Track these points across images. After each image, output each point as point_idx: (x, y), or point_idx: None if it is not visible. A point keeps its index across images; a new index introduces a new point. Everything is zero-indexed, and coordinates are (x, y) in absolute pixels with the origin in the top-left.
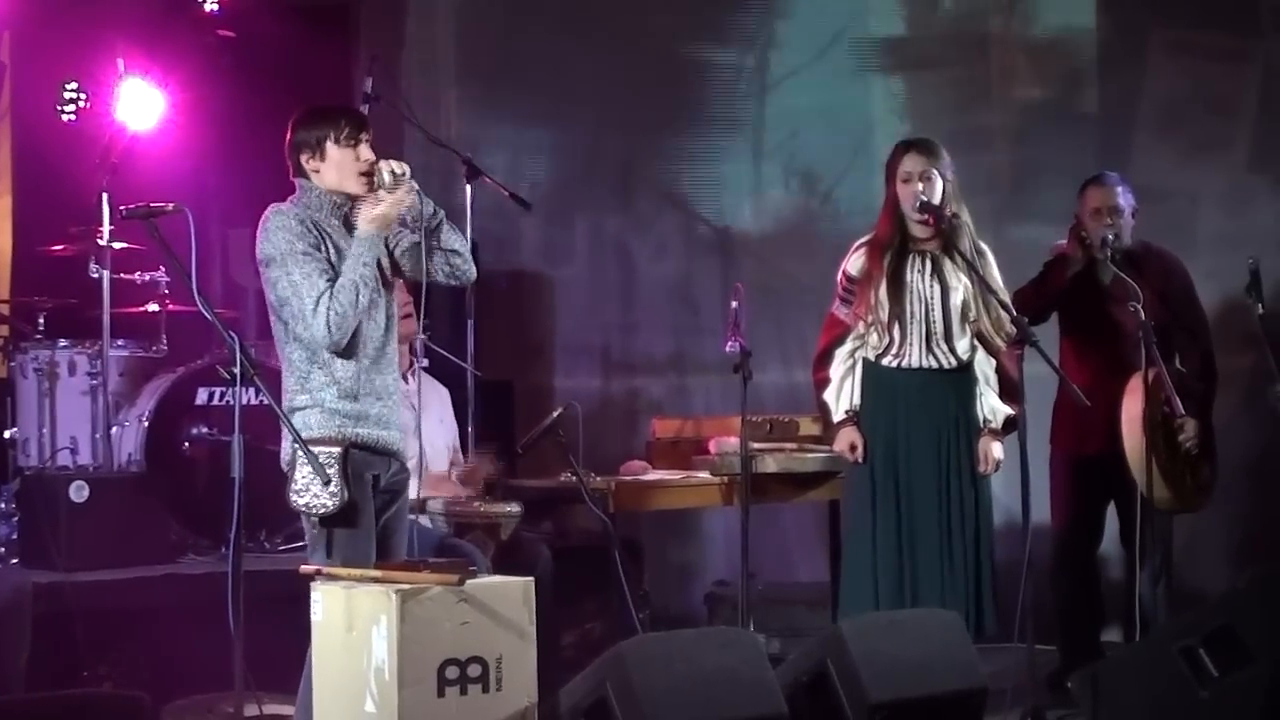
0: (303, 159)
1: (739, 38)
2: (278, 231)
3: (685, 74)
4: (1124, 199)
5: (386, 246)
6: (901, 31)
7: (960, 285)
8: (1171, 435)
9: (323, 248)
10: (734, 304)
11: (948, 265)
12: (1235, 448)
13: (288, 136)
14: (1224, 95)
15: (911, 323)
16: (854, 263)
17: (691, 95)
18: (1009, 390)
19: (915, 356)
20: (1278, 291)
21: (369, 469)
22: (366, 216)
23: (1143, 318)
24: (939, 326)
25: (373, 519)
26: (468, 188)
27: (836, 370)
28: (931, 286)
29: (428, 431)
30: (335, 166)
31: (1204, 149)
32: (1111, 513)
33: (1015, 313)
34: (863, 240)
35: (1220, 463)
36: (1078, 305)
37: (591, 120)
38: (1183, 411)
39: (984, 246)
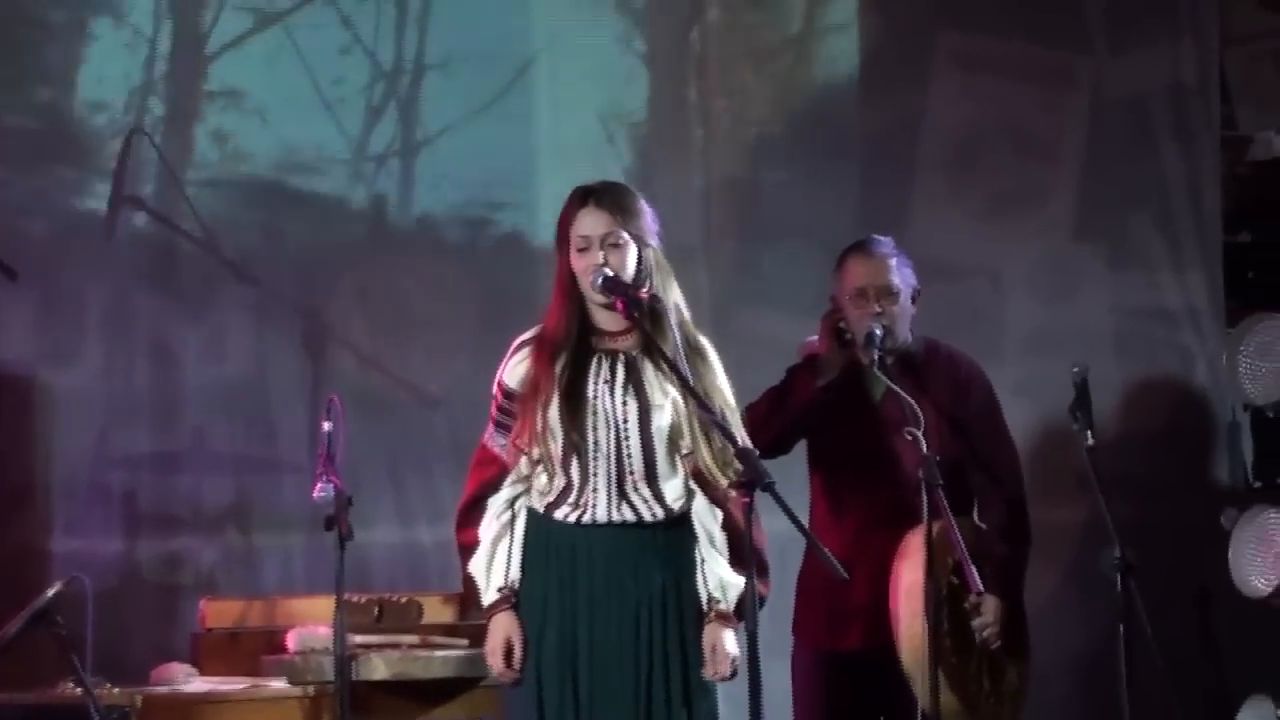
0: None
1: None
2: None
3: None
4: (899, 276)
5: None
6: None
7: (667, 401)
8: (963, 620)
9: None
10: (326, 426)
11: (650, 372)
12: (1057, 640)
13: None
14: (1039, 132)
15: (596, 457)
16: (514, 370)
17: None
18: (743, 554)
19: (603, 506)
20: (1120, 413)
21: None
22: None
23: (925, 450)
24: (637, 462)
25: None
26: None
27: (489, 528)
28: (625, 403)
29: None
30: None
31: (1012, 207)
32: None
33: (741, 440)
34: (526, 336)
35: (1035, 661)
36: (833, 431)
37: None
38: (980, 586)
39: (703, 343)
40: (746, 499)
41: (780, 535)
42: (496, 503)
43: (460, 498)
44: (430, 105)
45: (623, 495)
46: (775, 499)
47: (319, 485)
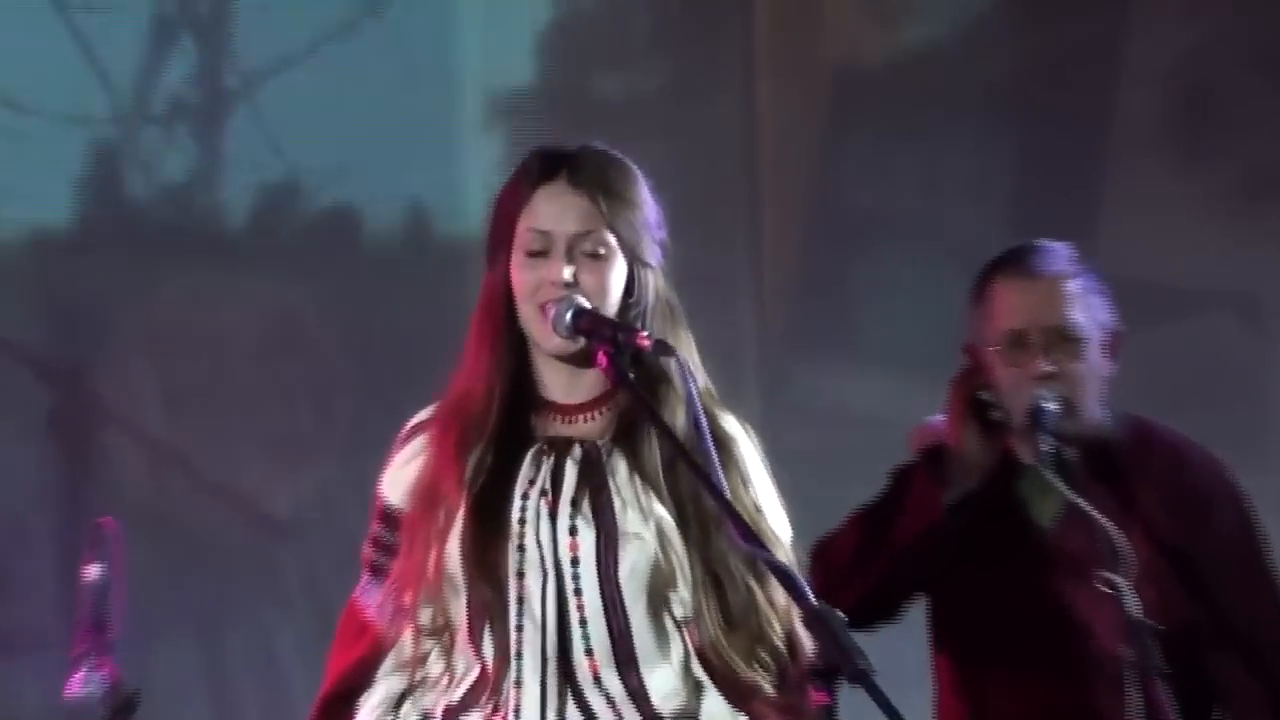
0: None
1: None
2: None
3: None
4: (1084, 310)
5: None
6: None
7: (649, 528)
8: None
9: None
10: (93, 571)
11: (622, 475)
12: None
13: None
14: None
15: (523, 624)
16: (397, 475)
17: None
18: None
19: (533, 711)
20: None
21: None
22: None
23: (1134, 611)
24: (596, 633)
25: None
26: None
27: None
28: (573, 530)
29: None
30: None
31: (1277, 194)
32: None
33: (816, 600)
34: (423, 416)
35: None
36: (973, 579)
37: None
38: None
39: (730, 429)
40: (826, 696)
41: None
42: (370, 706)
43: (317, 693)
44: (255, 32)
45: (570, 691)
46: (874, 697)
47: (80, 674)
